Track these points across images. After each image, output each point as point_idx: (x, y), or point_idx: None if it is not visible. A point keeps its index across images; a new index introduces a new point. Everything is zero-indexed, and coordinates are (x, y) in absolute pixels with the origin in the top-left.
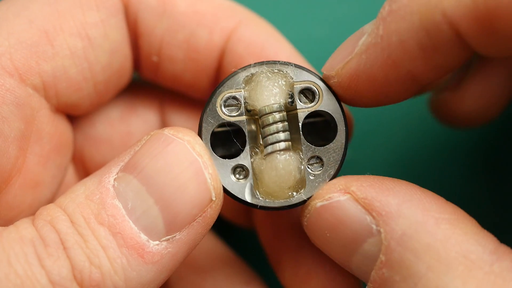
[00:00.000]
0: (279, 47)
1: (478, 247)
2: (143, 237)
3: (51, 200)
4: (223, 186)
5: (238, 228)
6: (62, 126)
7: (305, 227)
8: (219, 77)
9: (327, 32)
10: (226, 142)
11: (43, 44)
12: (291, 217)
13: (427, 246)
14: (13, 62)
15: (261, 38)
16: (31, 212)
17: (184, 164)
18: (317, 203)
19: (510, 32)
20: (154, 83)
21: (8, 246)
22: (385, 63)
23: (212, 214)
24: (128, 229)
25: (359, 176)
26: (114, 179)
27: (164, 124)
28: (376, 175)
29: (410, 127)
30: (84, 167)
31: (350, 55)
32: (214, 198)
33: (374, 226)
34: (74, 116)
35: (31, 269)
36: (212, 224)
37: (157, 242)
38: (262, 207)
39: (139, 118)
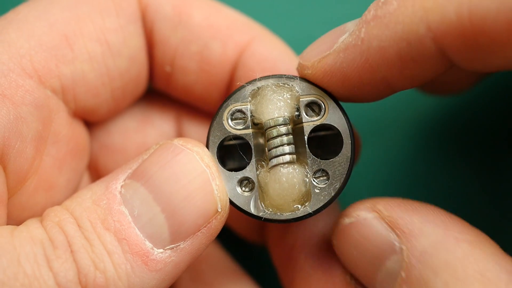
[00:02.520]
0: (291, 64)
1: (496, 266)
2: (148, 244)
3: None
4: (229, 198)
5: (251, 245)
6: (79, 131)
7: (334, 246)
8: (230, 90)
9: (326, 32)
10: (237, 155)
11: (63, 48)
12: (305, 237)
13: (445, 264)
14: (33, 64)
15: (274, 54)
16: None
17: (192, 175)
18: (345, 220)
19: (494, 49)
20: (165, 93)
21: (19, 245)
22: (362, 66)
23: (216, 225)
24: (133, 236)
25: (387, 197)
26: (121, 186)
27: (179, 135)
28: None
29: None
30: (98, 176)
31: (329, 50)
32: (220, 210)
33: (397, 244)
34: (91, 122)
35: (40, 270)
36: (216, 235)
37: (161, 250)
38: (266, 219)
39: (155, 129)
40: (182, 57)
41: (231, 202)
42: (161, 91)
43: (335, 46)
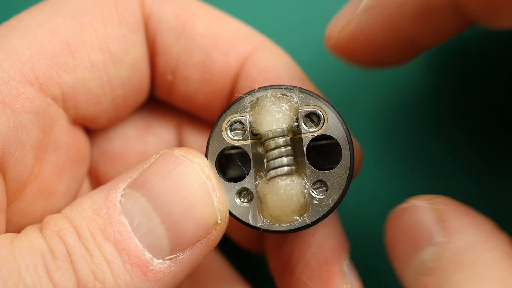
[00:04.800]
0: (294, 74)
1: None
2: (147, 255)
3: None
4: (229, 210)
5: (249, 253)
6: (80, 138)
7: (386, 229)
8: (232, 100)
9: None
10: (237, 163)
11: (64, 56)
12: (303, 248)
13: (470, 263)
14: (34, 72)
15: (277, 64)
16: None
17: (193, 186)
18: (401, 205)
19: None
20: (167, 103)
21: (20, 256)
22: (383, 25)
23: (216, 236)
24: (133, 246)
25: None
26: (121, 195)
27: (180, 144)
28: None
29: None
30: (98, 183)
31: (352, 15)
32: (219, 221)
33: (438, 237)
34: (91, 130)
35: (40, 281)
36: (215, 246)
37: (160, 260)
38: (264, 230)
39: (155, 137)
40: (184, 66)
41: (230, 213)
42: (163, 101)
43: (358, 10)
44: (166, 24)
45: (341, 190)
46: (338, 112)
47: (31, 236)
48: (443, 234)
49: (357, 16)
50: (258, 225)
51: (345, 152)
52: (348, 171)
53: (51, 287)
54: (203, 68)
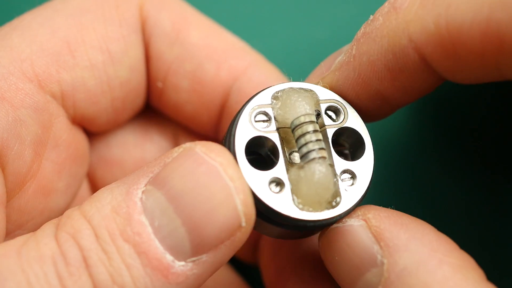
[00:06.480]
0: None
1: None
2: (169, 257)
3: (64, 209)
4: (262, 200)
5: (244, 264)
6: (79, 137)
7: (319, 247)
8: (224, 115)
9: (327, 33)
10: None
11: (64, 54)
12: (296, 261)
13: (423, 284)
14: (34, 69)
15: (271, 80)
16: (42, 219)
17: (215, 188)
18: (333, 224)
19: (472, 60)
20: (159, 110)
21: (28, 266)
22: (356, 81)
23: (241, 237)
24: (153, 249)
25: (381, 207)
26: (142, 192)
27: None
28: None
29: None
30: (95, 188)
31: (327, 71)
32: (244, 224)
33: (379, 257)
34: (90, 131)
35: None
36: (240, 247)
37: (183, 262)
38: (298, 220)
39: (153, 145)
40: (175, 74)
41: (262, 205)
42: (157, 109)
43: (332, 67)
44: (161, 30)
45: (368, 180)
46: (353, 107)
47: (41, 243)
48: (383, 255)
49: (331, 72)
50: (295, 215)
51: (367, 143)
52: (372, 160)
53: None
54: (194, 78)
